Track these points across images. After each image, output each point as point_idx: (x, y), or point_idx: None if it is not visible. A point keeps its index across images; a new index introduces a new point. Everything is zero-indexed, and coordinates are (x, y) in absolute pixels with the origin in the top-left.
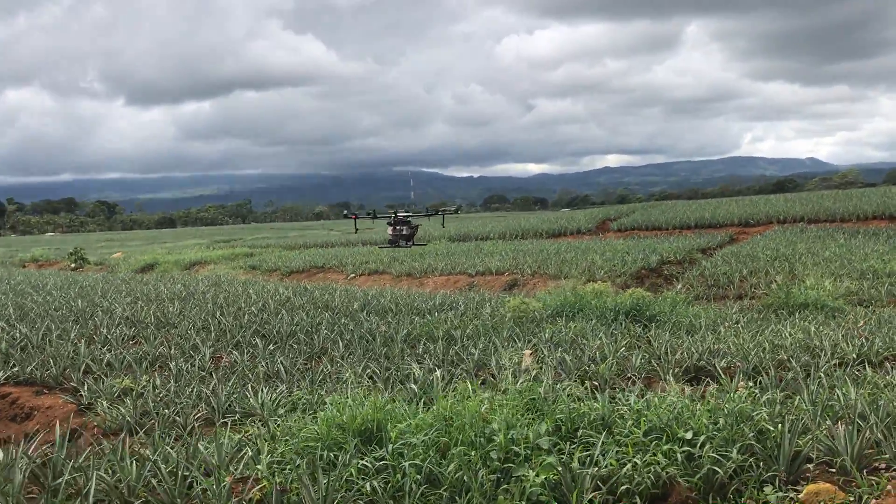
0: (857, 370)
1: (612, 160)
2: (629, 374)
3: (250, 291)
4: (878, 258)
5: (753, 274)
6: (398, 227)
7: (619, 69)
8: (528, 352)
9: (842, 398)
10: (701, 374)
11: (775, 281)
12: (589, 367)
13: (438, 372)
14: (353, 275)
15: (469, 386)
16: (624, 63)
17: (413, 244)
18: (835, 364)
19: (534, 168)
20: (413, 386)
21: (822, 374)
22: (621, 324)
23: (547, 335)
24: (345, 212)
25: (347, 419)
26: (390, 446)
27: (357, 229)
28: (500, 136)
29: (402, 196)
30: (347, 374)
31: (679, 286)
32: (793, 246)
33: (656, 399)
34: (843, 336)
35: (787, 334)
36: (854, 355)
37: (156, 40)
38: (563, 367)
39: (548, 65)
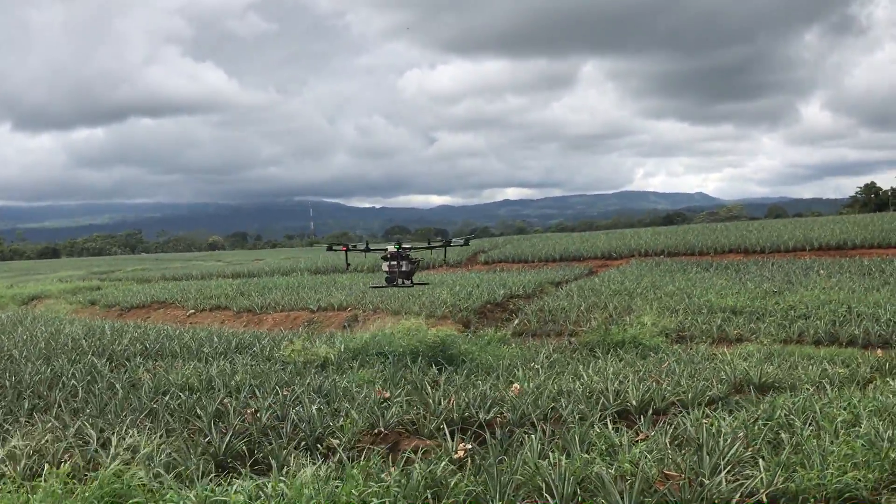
0: (610, 424)
1: (512, 193)
2: (379, 430)
3: (39, 330)
4: (717, 293)
5: (590, 309)
6: (398, 263)
7: (519, 105)
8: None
9: (544, 467)
10: (467, 426)
11: (594, 318)
12: (333, 422)
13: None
14: (192, 311)
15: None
16: (523, 99)
17: (413, 282)
18: (614, 413)
19: (436, 200)
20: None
21: (530, 436)
22: (420, 366)
23: (317, 383)
24: (333, 245)
25: None
26: None
27: (349, 264)
28: (402, 167)
29: (303, 226)
30: None
31: (516, 321)
32: (640, 280)
33: (270, 486)
34: (636, 379)
35: (585, 376)
36: (634, 402)
37: (47, 64)
38: (309, 425)
39: (450, 99)
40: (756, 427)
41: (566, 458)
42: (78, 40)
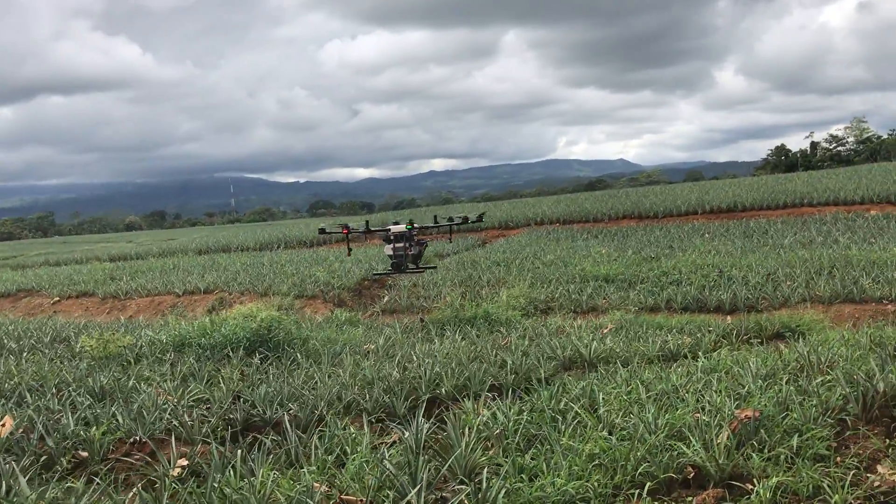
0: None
1: (438, 164)
2: (136, 438)
3: None
4: (594, 260)
5: (463, 283)
6: (403, 245)
7: (442, 75)
8: (8, 418)
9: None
10: (251, 429)
11: (450, 293)
12: (87, 432)
13: None
14: (57, 298)
15: None
16: (446, 69)
17: (421, 267)
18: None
19: (361, 172)
20: None
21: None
22: (241, 355)
23: (101, 383)
24: (322, 226)
25: None
26: None
27: (351, 250)
28: (326, 140)
29: (224, 203)
30: None
31: (386, 298)
32: (522, 250)
33: None
34: (465, 360)
35: (415, 359)
36: (447, 389)
37: None
38: (60, 435)
39: (372, 70)
40: (516, 421)
41: (276, 474)
42: None
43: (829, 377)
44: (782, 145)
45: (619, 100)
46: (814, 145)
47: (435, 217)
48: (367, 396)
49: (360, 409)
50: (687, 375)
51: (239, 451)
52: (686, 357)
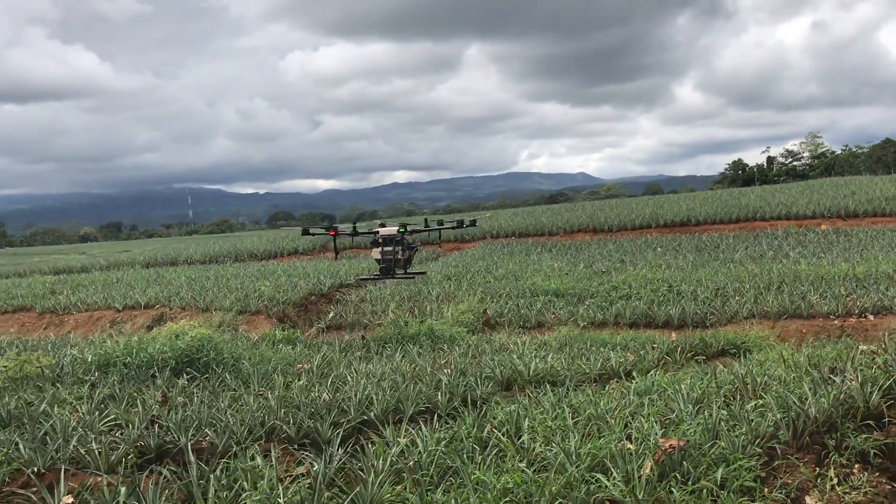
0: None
1: (401, 176)
2: (31, 470)
3: None
4: (545, 275)
5: (411, 298)
6: (392, 249)
7: (405, 88)
8: None
9: None
10: (164, 457)
11: (394, 311)
12: None
13: None
14: None
15: None
16: (409, 82)
17: (410, 273)
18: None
19: (323, 184)
20: None
21: None
22: (167, 376)
23: (10, 408)
24: (307, 229)
25: None
26: None
27: (338, 253)
28: (287, 151)
29: (181, 214)
30: None
31: (331, 314)
32: (476, 263)
33: None
34: (398, 381)
35: (350, 379)
36: (378, 411)
37: None
38: None
39: (334, 81)
40: (432, 451)
41: None
42: None
43: (762, 401)
44: (739, 160)
45: (579, 114)
46: (770, 160)
47: (425, 220)
48: (292, 421)
49: (283, 435)
50: (619, 398)
51: (123, 488)
52: (621, 378)
